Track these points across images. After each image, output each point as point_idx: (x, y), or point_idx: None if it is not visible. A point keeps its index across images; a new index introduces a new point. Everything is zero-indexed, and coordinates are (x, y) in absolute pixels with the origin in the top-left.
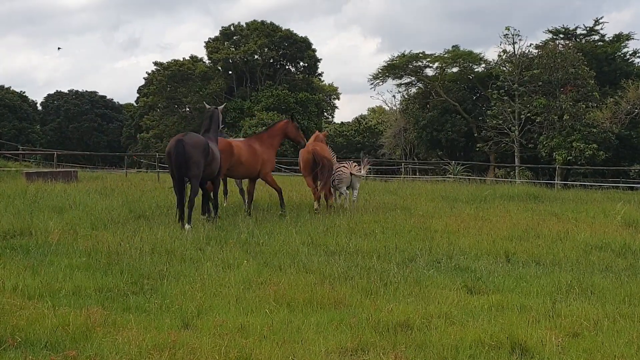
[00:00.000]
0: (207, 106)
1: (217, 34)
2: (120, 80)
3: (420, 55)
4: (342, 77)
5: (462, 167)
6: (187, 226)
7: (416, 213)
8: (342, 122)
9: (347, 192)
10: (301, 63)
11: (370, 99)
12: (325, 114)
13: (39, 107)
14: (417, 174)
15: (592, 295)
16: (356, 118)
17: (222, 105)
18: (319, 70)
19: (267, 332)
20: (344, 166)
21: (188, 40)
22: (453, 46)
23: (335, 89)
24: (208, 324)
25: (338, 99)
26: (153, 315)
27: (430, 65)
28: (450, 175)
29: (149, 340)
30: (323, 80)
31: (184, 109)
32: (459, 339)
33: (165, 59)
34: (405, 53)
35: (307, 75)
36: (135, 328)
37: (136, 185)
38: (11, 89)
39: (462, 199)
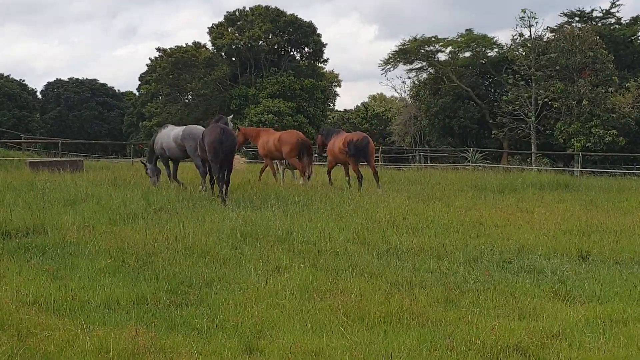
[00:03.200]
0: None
1: (215, 20)
2: (119, 68)
3: (432, 39)
4: (341, 64)
5: (481, 154)
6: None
7: (452, 204)
8: (345, 110)
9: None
10: (306, 49)
11: (370, 86)
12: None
13: (39, 96)
14: (429, 161)
15: None
16: (362, 105)
17: (231, 116)
18: (325, 56)
19: (349, 359)
20: None
21: (186, 28)
22: (466, 30)
23: (336, 75)
24: (275, 347)
25: (339, 86)
26: (206, 335)
27: (443, 49)
28: (468, 163)
29: None
30: (324, 68)
31: (186, 97)
32: None
33: (164, 46)
34: (417, 37)
35: (312, 61)
36: (188, 354)
37: (146, 175)
38: (10, 77)
39: (491, 188)
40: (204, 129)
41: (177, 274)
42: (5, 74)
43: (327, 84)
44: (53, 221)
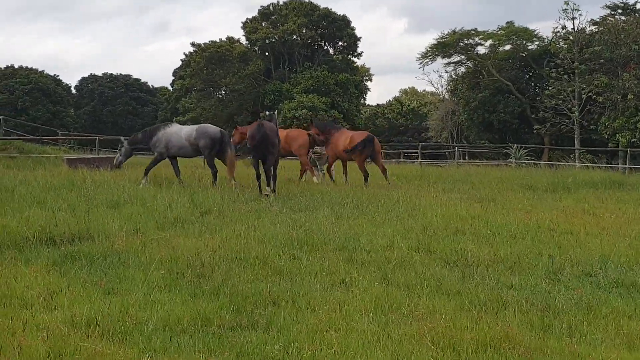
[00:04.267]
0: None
1: (245, 16)
2: (151, 64)
3: (472, 32)
4: (370, 58)
5: (525, 150)
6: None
7: (509, 206)
8: (377, 104)
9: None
10: (340, 43)
11: (400, 80)
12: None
13: (73, 91)
14: (466, 157)
15: None
16: (395, 99)
17: (275, 112)
18: (358, 50)
19: None
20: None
21: (217, 23)
22: (507, 22)
23: (367, 69)
24: None
25: (370, 80)
26: None
27: (483, 42)
28: (512, 160)
29: None
30: (357, 62)
31: (219, 92)
32: None
33: (195, 41)
34: (456, 30)
35: (346, 55)
36: None
37: (188, 173)
38: (45, 72)
39: (542, 187)
40: (217, 128)
41: (238, 289)
42: (39, 70)
43: (360, 78)
44: (99, 226)
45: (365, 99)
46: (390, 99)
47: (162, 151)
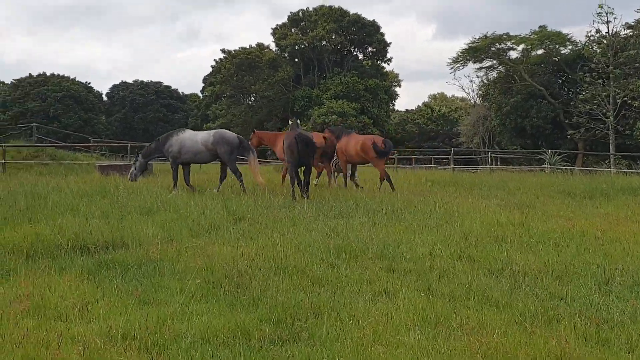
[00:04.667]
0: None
1: (274, 22)
2: (181, 71)
3: (504, 36)
4: (398, 64)
5: (560, 156)
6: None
7: (548, 213)
8: (406, 110)
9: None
10: (369, 48)
11: (428, 86)
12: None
13: (104, 98)
14: (499, 163)
15: None
16: (425, 105)
17: (295, 118)
18: (388, 55)
19: None
20: None
21: (246, 30)
22: (540, 26)
23: (396, 75)
24: None
25: (399, 86)
26: None
27: (515, 47)
28: (546, 165)
29: None
30: (386, 68)
31: (248, 98)
32: None
33: (225, 48)
34: (488, 35)
35: (375, 61)
36: None
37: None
38: (76, 79)
39: (579, 193)
40: (233, 133)
41: (277, 300)
42: (71, 77)
43: (390, 83)
44: (133, 233)
45: (394, 105)
46: (420, 105)
47: (175, 156)
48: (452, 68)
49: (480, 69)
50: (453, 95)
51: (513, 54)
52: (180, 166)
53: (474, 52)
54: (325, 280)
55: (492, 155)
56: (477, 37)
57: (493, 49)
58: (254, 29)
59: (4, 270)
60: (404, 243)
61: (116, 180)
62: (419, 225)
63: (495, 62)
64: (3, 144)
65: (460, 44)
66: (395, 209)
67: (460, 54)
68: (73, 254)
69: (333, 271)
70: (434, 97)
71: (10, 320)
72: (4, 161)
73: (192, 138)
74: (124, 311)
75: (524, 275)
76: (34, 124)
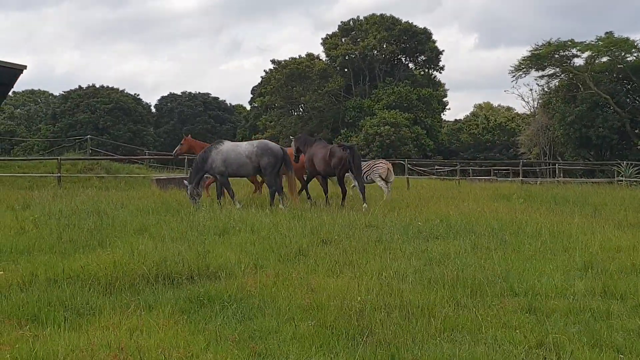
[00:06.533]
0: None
1: (317, 34)
2: (225, 82)
3: (568, 43)
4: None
5: (635, 168)
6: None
7: None
8: (455, 120)
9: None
10: (421, 57)
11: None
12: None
13: (153, 110)
14: (562, 175)
15: None
16: (474, 114)
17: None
18: (440, 64)
19: None
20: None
21: (288, 41)
22: (606, 33)
23: (443, 85)
24: None
25: (445, 95)
26: None
27: (579, 54)
28: (621, 178)
29: None
30: (437, 77)
31: (298, 109)
32: None
33: (265, 61)
34: (551, 41)
35: (427, 70)
36: None
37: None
38: (125, 91)
39: None
40: (277, 144)
41: (417, 353)
42: (120, 89)
43: (443, 92)
44: (217, 259)
45: (445, 114)
46: (468, 114)
47: (222, 170)
48: (513, 76)
49: (542, 77)
50: (499, 105)
51: (577, 61)
52: (223, 178)
53: (536, 60)
54: (462, 326)
55: (560, 166)
56: (540, 43)
57: (556, 56)
58: (296, 41)
59: (87, 306)
60: (526, 273)
61: (177, 195)
62: (529, 251)
63: (558, 69)
64: (58, 157)
65: (502, 53)
66: (494, 229)
67: (521, 61)
68: (156, 285)
69: (464, 312)
70: (479, 107)
71: None
72: (59, 174)
73: (234, 150)
74: None
75: None
76: (88, 136)
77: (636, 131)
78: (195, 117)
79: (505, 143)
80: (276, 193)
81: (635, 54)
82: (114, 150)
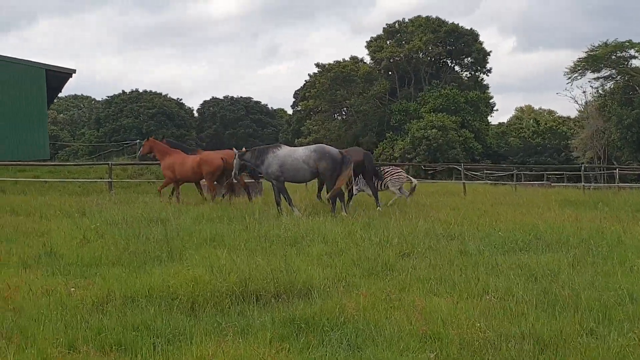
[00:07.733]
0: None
1: (354, 38)
2: (262, 87)
3: (626, 44)
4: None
5: None
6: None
7: None
8: (499, 123)
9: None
10: (467, 59)
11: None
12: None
13: (195, 114)
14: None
15: None
16: (518, 118)
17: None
18: (488, 66)
19: None
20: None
21: (325, 46)
22: None
23: (488, 87)
24: None
25: (492, 98)
26: None
27: (638, 55)
28: None
29: None
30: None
31: (340, 113)
32: None
33: (302, 65)
34: (608, 42)
35: (473, 72)
36: None
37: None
38: (168, 96)
39: None
40: (335, 148)
41: None
42: (162, 93)
43: (490, 95)
44: (301, 274)
45: (492, 117)
46: (511, 117)
47: (277, 175)
48: (569, 78)
49: (597, 79)
50: (540, 108)
51: (635, 62)
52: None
53: (592, 61)
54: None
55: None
56: (597, 44)
57: (613, 57)
58: (334, 45)
59: (175, 331)
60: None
61: (232, 199)
62: (598, 265)
63: (614, 71)
64: (109, 162)
65: (540, 56)
66: (583, 239)
67: (576, 63)
68: (242, 303)
69: (600, 342)
70: (521, 110)
71: None
72: (110, 180)
73: (291, 155)
74: None
75: None
76: (138, 140)
77: None
78: (237, 121)
79: (556, 147)
80: (337, 199)
81: None
82: None
